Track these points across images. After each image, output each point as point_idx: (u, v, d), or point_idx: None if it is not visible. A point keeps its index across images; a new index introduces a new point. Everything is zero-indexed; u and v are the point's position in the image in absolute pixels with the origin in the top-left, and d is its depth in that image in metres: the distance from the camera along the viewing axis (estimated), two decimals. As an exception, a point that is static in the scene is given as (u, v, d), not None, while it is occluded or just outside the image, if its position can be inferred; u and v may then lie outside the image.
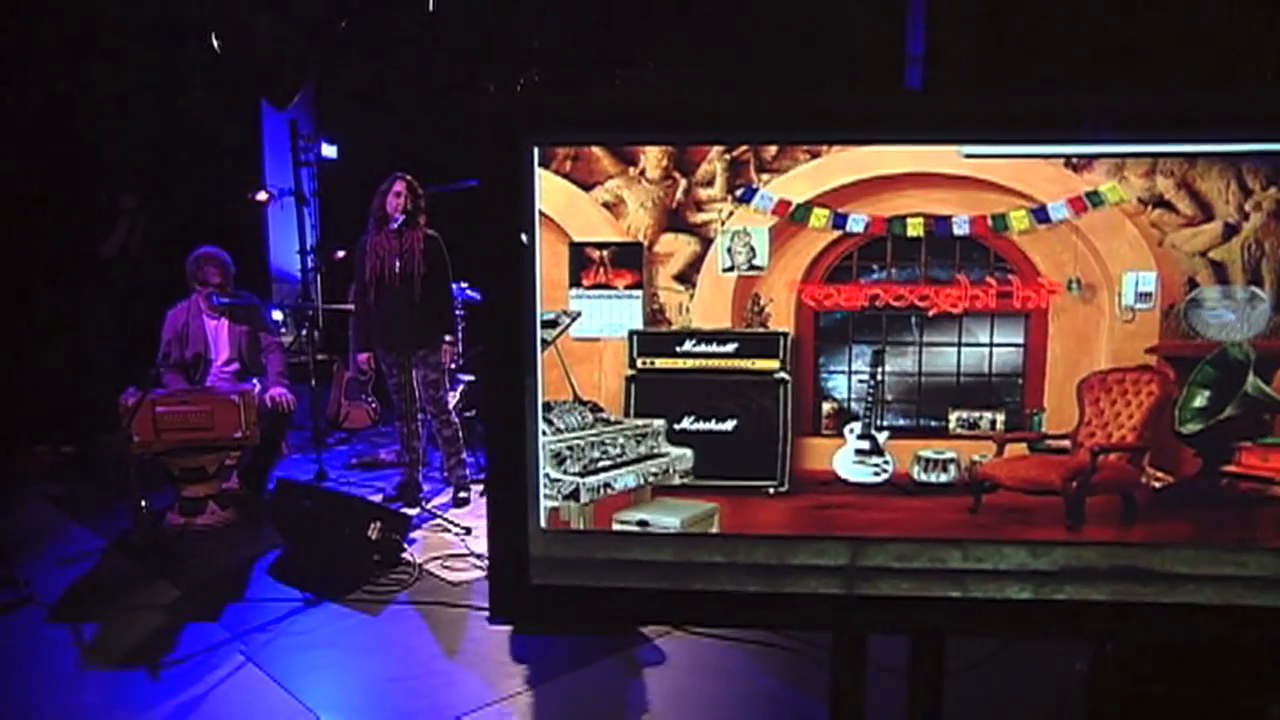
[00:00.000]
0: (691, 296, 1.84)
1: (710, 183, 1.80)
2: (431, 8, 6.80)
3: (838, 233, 1.80)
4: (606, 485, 1.88)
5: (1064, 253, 1.76)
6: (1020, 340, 1.79)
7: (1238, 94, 1.73)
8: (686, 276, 1.84)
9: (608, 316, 1.85)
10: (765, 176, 1.79)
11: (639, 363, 1.86)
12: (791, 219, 1.80)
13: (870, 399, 1.82)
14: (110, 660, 4.35)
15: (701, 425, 1.87)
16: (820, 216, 1.78)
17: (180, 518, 5.78)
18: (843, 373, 1.83)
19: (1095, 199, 1.73)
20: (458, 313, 6.49)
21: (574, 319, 1.84)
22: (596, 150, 1.81)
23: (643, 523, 1.89)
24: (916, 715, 2.00)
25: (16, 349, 6.95)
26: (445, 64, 8.41)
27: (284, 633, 4.56)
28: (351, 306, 6.92)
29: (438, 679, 4.12)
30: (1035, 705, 3.81)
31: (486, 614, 4.54)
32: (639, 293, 1.85)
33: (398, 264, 5.84)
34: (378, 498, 6.16)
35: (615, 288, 1.84)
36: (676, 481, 1.88)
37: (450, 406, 6.23)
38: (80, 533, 5.87)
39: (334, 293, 8.10)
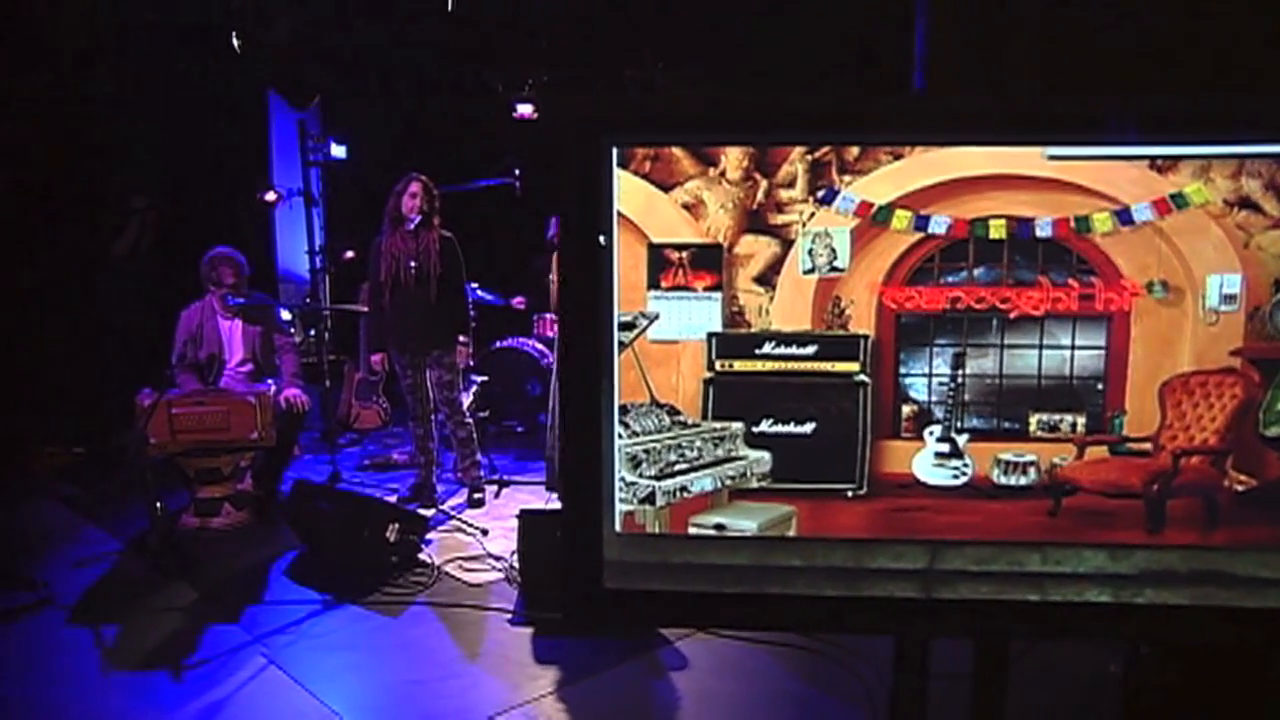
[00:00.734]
0: (771, 299, 1.83)
1: (791, 184, 1.79)
2: (450, 7, 6.76)
3: (920, 235, 1.79)
4: (683, 489, 1.87)
5: (1147, 255, 1.75)
6: (1102, 343, 1.79)
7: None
8: (766, 278, 1.83)
9: (686, 318, 1.84)
10: (847, 178, 1.78)
11: (717, 365, 1.84)
12: (873, 221, 1.79)
13: (950, 401, 1.81)
14: (133, 662, 4.32)
15: (780, 428, 1.85)
16: (902, 218, 1.78)
17: (195, 519, 5.75)
18: (923, 375, 1.82)
19: (1180, 201, 1.72)
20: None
21: (652, 321, 1.83)
22: (676, 151, 1.80)
23: (719, 526, 1.87)
24: (984, 718, 1.99)
25: (28, 350, 6.90)
26: (452, 63, 8.39)
27: (305, 635, 4.53)
28: (361, 308, 6.90)
29: (462, 681, 4.10)
30: (1065, 706, 3.81)
31: (507, 616, 4.56)
32: (718, 295, 1.83)
33: (413, 265, 5.82)
34: (392, 499, 6.13)
35: (694, 289, 1.83)
36: (754, 485, 1.87)
37: (465, 407, 6.20)
38: (95, 534, 5.84)
39: (343, 293, 8.06)
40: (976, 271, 1.79)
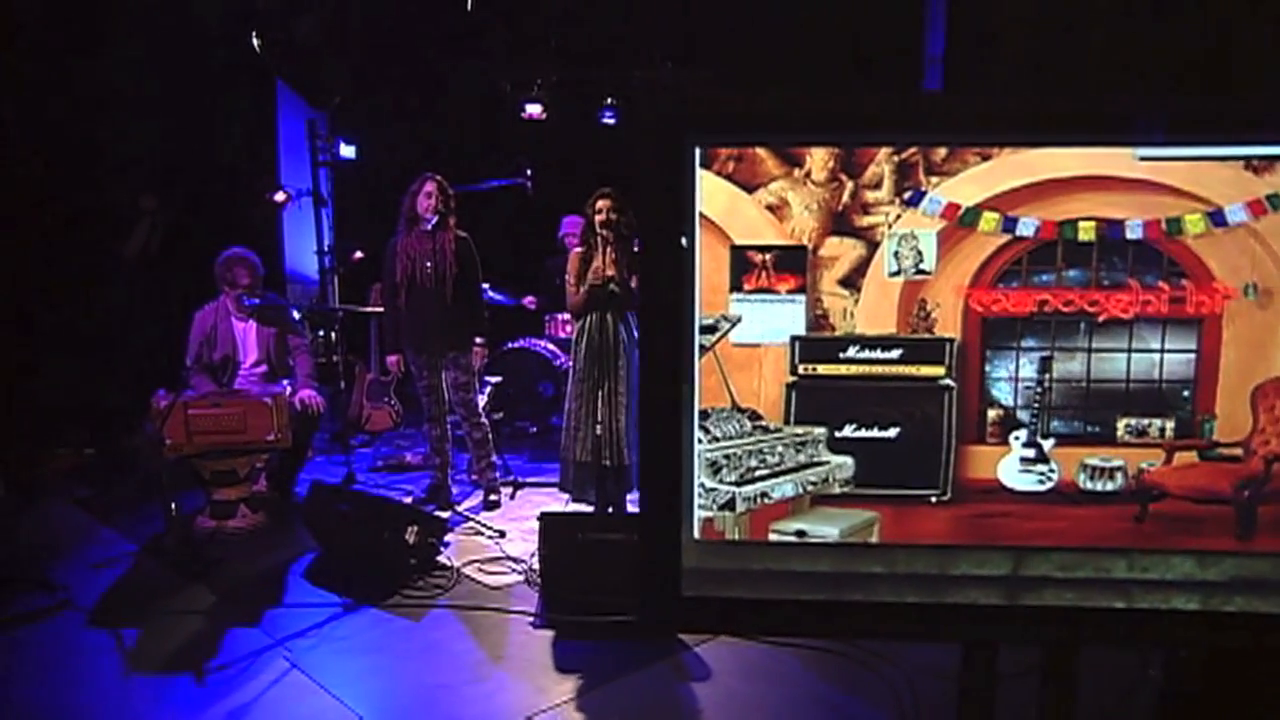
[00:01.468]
0: (856, 301, 1.80)
1: (878, 185, 1.76)
2: (469, 7, 6.73)
3: (1007, 236, 1.76)
4: (764, 495, 1.84)
5: (1240, 257, 1.73)
6: (1192, 346, 1.76)
7: None
8: (851, 281, 1.80)
9: (769, 321, 1.81)
10: (934, 179, 1.76)
11: (800, 369, 1.82)
12: (960, 223, 1.76)
13: (1037, 406, 1.79)
14: (154, 665, 4.29)
15: (863, 433, 1.83)
16: (990, 220, 1.75)
17: (211, 521, 5.72)
18: (1009, 379, 1.80)
19: (1276, 202, 1.70)
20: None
21: (734, 324, 1.80)
22: (760, 151, 1.77)
23: (800, 533, 1.85)
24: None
25: (37, 351, 6.85)
26: (462, 63, 8.36)
27: (326, 638, 4.51)
28: (372, 308, 6.87)
29: (487, 685, 4.08)
30: (1100, 708, 3.79)
31: (529, 619, 4.53)
32: (802, 297, 1.81)
33: (429, 265, 5.79)
34: (408, 501, 6.10)
35: (778, 292, 1.80)
36: (836, 490, 1.84)
37: (480, 408, 6.17)
38: (110, 536, 5.80)
39: (352, 294, 8.03)
40: (1065, 274, 1.76)
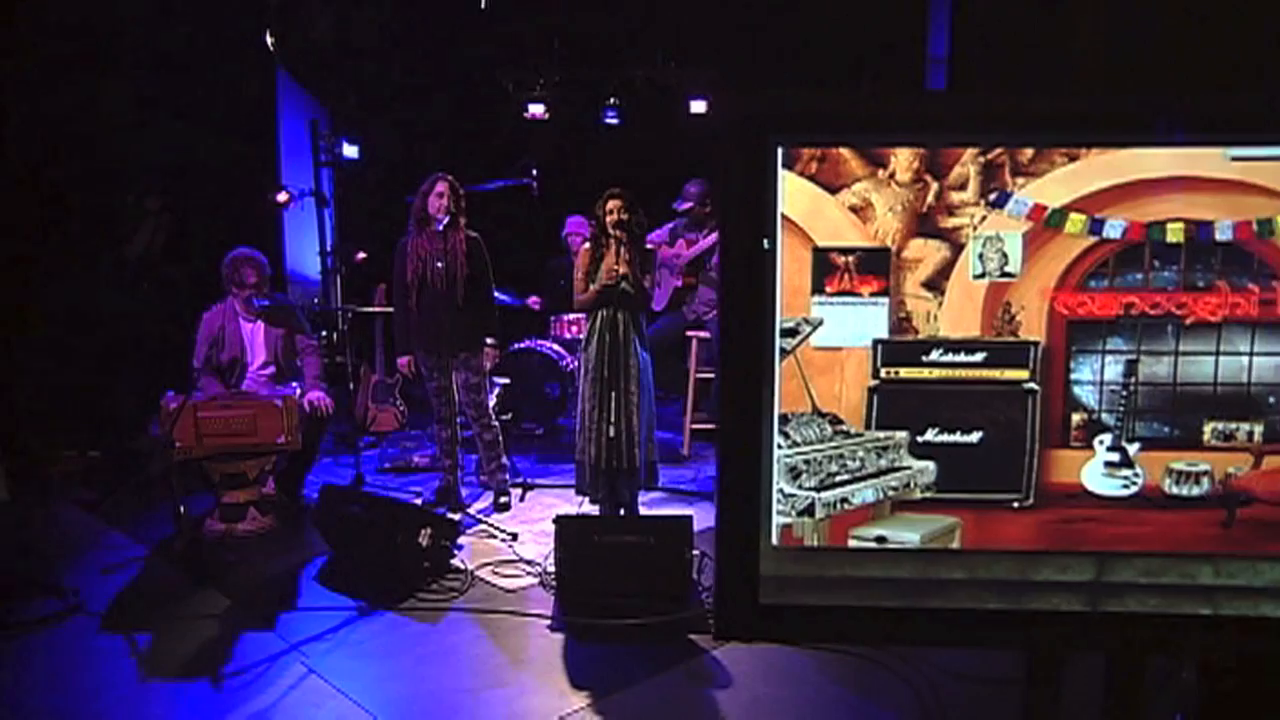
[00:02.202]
0: (940, 304, 1.77)
1: (963, 186, 1.74)
2: (483, 6, 6.69)
3: (1094, 239, 1.74)
4: (844, 500, 1.81)
5: (1333, 259, 1.71)
6: (1283, 349, 1.74)
7: None
8: (935, 283, 1.77)
9: (851, 325, 1.78)
10: (1020, 180, 1.73)
11: (883, 373, 1.79)
12: (1047, 224, 1.74)
13: (1122, 409, 1.77)
14: (170, 671, 4.25)
15: (945, 437, 1.80)
16: (1077, 222, 1.73)
17: (221, 524, 5.66)
18: (1094, 383, 1.78)
19: (1369, 204, 1.68)
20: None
21: (815, 327, 1.77)
22: (844, 151, 1.74)
23: (881, 539, 1.82)
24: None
25: (41, 353, 6.78)
26: (464, 63, 8.32)
27: (343, 642, 4.47)
28: (377, 308, 6.82)
29: (508, 690, 4.04)
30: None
31: (546, 622, 4.50)
32: (885, 300, 1.78)
33: (440, 266, 5.74)
34: (417, 502, 6.06)
35: (860, 295, 1.78)
36: (917, 496, 1.82)
37: (490, 410, 6.13)
38: (119, 540, 5.74)
39: (355, 295, 7.97)
40: (1152, 276, 1.74)
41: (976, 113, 1.69)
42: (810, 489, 1.82)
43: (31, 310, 6.76)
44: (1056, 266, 1.76)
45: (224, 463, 5.64)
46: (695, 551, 4.84)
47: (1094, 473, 1.80)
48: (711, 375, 7.37)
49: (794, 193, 1.76)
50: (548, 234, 8.23)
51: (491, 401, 6.15)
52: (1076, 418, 1.80)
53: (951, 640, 1.82)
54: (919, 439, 1.82)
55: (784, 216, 1.76)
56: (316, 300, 7.98)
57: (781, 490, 1.82)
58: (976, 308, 1.78)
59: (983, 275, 1.77)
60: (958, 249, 1.77)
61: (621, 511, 5.66)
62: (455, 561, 5.28)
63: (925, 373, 1.80)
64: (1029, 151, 1.73)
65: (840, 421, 1.81)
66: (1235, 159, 1.71)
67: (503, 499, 6.20)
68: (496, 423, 6.20)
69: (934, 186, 1.75)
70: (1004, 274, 1.77)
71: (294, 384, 6.00)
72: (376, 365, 7.30)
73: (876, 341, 1.80)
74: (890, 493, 1.83)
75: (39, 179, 6.65)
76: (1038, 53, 6.55)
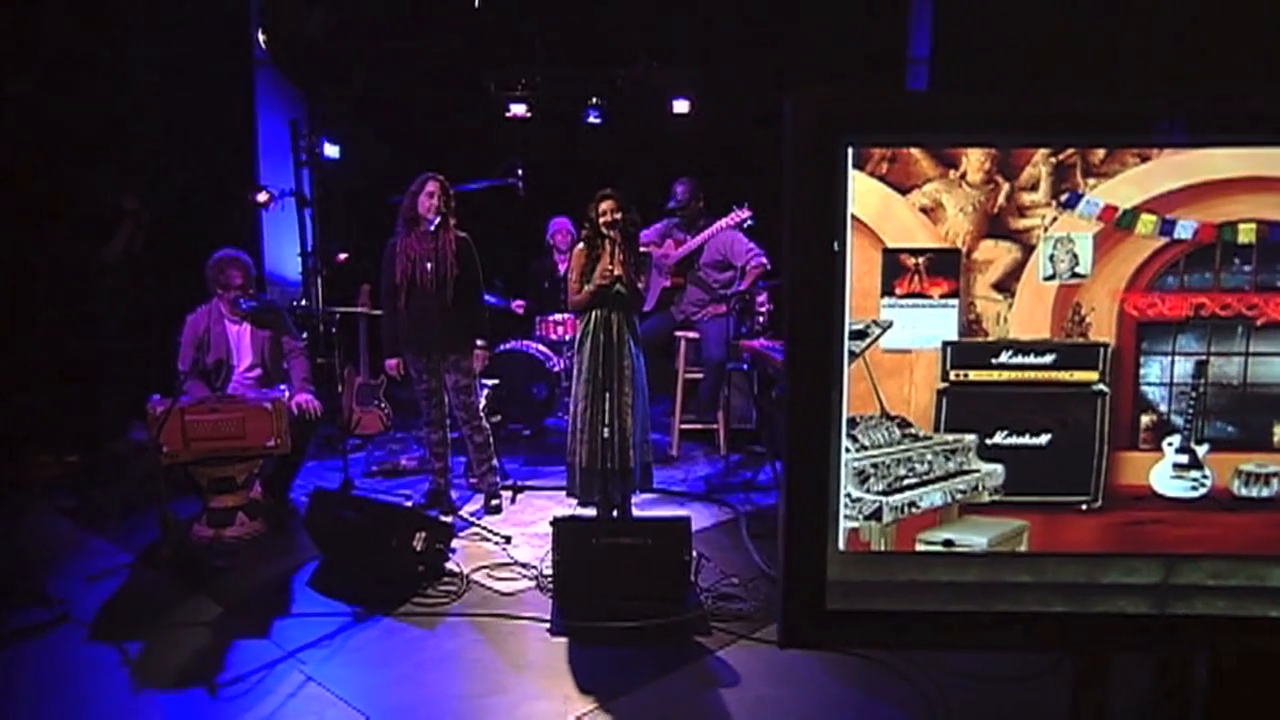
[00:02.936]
0: (1010, 306, 1.76)
1: (1034, 187, 1.72)
2: (476, 4, 6.63)
3: (1164, 239, 1.73)
4: (911, 504, 1.79)
5: (1406, 259, 1.71)
6: (1355, 349, 1.74)
7: None
8: (1005, 285, 1.76)
9: (921, 326, 1.76)
10: (1091, 181, 1.72)
11: (952, 375, 1.77)
12: (1118, 225, 1.73)
13: (1191, 411, 1.76)
14: (165, 680, 4.17)
15: (1014, 440, 1.79)
16: (1147, 223, 1.72)
17: (209, 530, 5.57)
18: (1163, 384, 1.77)
19: None
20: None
21: (884, 329, 1.75)
22: (915, 152, 1.72)
23: (948, 542, 1.81)
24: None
25: (16, 356, 6.63)
26: (445, 62, 8.25)
27: (340, 648, 4.41)
28: (359, 309, 6.74)
29: (511, 695, 4.00)
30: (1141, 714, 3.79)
31: (545, 625, 4.46)
32: (955, 302, 1.76)
33: (429, 267, 5.68)
34: (408, 505, 5.99)
35: (930, 296, 1.76)
36: (985, 499, 1.80)
37: (481, 412, 6.08)
38: (103, 546, 5.63)
39: (336, 296, 7.88)
40: (1223, 277, 1.73)
41: (1050, 113, 1.68)
42: (878, 493, 1.80)
43: (3, 312, 6.60)
44: (1127, 268, 1.75)
45: (212, 467, 5.55)
46: (693, 553, 4.81)
47: (1162, 474, 1.79)
48: (700, 375, 7.35)
49: (864, 193, 1.74)
50: (531, 235, 8.18)
51: (481, 403, 6.08)
52: (1145, 419, 1.79)
53: (1018, 644, 1.81)
54: (987, 442, 1.81)
55: (853, 217, 1.74)
56: (295, 302, 7.87)
57: (849, 494, 1.80)
58: (1046, 309, 1.76)
59: (1053, 277, 1.76)
60: (1028, 250, 1.76)
61: (614, 514, 5.62)
62: (450, 565, 5.22)
63: (995, 375, 1.79)
64: (1100, 152, 1.72)
65: (909, 424, 1.79)
66: (1308, 159, 1.70)
67: (494, 502, 6.15)
68: (487, 425, 6.14)
69: (1005, 187, 1.74)
70: (1074, 275, 1.76)
71: (281, 386, 5.91)
72: (361, 367, 7.22)
73: (946, 343, 1.78)
74: (958, 496, 1.81)
75: (11, 179, 6.50)
76: (1025, 52, 6.59)
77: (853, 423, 1.79)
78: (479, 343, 5.98)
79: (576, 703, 3.98)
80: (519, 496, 6.43)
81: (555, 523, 4.85)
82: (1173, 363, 1.77)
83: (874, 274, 1.76)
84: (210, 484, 5.57)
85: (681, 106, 8.48)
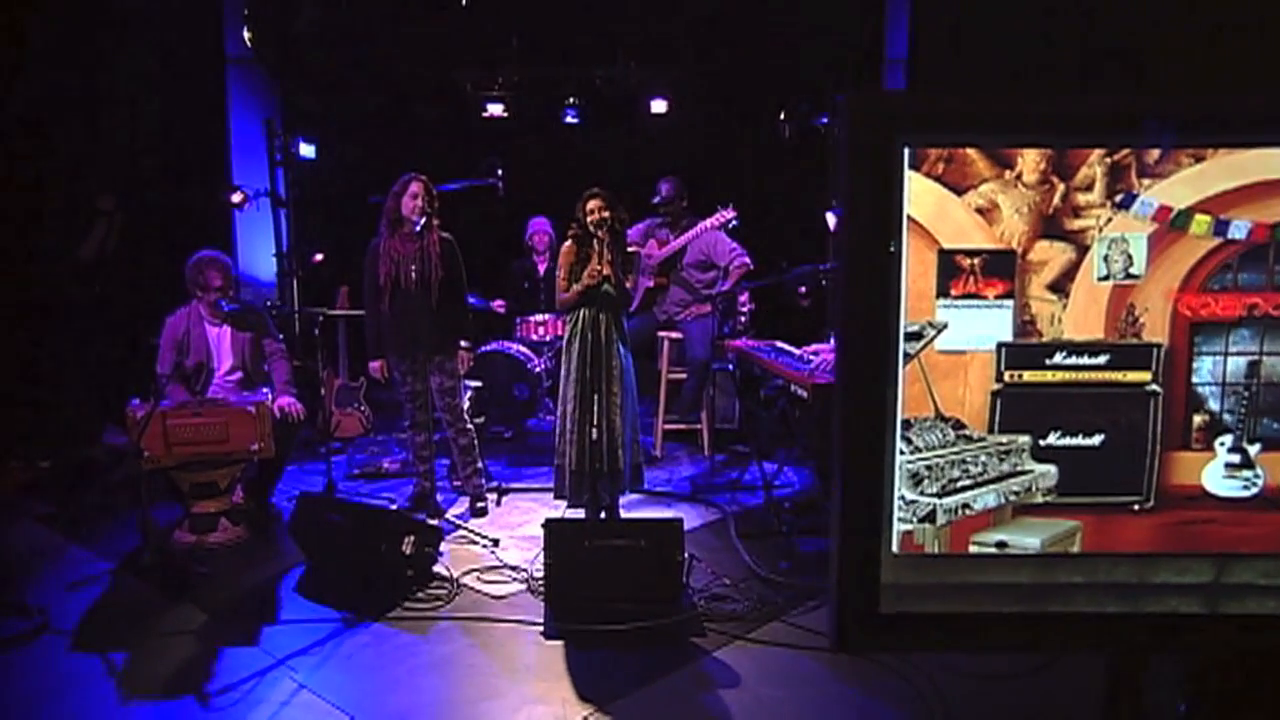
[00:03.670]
0: (1064, 307, 1.76)
1: (1089, 188, 1.72)
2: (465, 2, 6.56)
3: (1218, 240, 1.73)
4: (965, 506, 1.78)
5: None
6: None
7: None
8: (1060, 286, 1.76)
9: (976, 327, 1.76)
10: (1146, 181, 1.72)
11: (1006, 376, 1.76)
12: (1172, 226, 1.73)
13: (1243, 411, 1.76)
14: (152, 691, 4.09)
15: (1067, 440, 1.79)
16: (1202, 223, 1.72)
17: (191, 535, 5.48)
18: (1215, 384, 1.77)
19: None
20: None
21: (940, 330, 1.74)
22: (971, 152, 1.72)
23: (1001, 544, 1.80)
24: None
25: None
26: (420, 62, 8.19)
27: (331, 655, 4.35)
28: (339, 311, 6.67)
29: (508, 700, 3.97)
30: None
31: (538, 629, 4.43)
32: (1009, 303, 1.76)
33: (414, 269, 5.62)
34: (393, 509, 5.93)
35: (985, 298, 1.75)
36: (1038, 500, 1.80)
37: (465, 413, 6.03)
38: (82, 554, 5.52)
39: (312, 297, 7.79)
40: (1276, 277, 1.74)
41: (1107, 113, 1.67)
42: (932, 495, 1.79)
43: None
44: (1180, 268, 1.75)
45: (194, 472, 5.46)
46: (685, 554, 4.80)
47: (1214, 474, 1.80)
48: (683, 376, 7.33)
49: (920, 194, 1.73)
50: (510, 235, 8.13)
51: (465, 405, 6.03)
52: (1198, 419, 1.79)
53: (1070, 645, 1.81)
54: (1041, 442, 1.80)
55: (909, 218, 1.73)
56: (269, 303, 7.76)
57: (903, 497, 1.79)
58: (1100, 310, 1.76)
59: (1107, 277, 1.76)
60: (1083, 251, 1.76)
61: (602, 515, 5.60)
62: (439, 569, 5.17)
63: (1049, 376, 1.78)
64: (1155, 152, 1.72)
65: (963, 426, 1.79)
66: (1361, 159, 1.71)
67: (480, 504, 6.10)
68: (471, 426, 6.09)
69: (1060, 188, 1.73)
70: (1128, 276, 1.76)
71: (264, 389, 5.83)
72: (340, 369, 7.13)
73: (1001, 345, 1.78)
74: (1012, 497, 1.81)
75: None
76: (1004, 52, 6.63)
77: (907, 425, 1.78)
78: (463, 344, 5.93)
79: (575, 706, 3.95)
80: (504, 498, 6.38)
81: (547, 525, 4.82)
82: (1225, 363, 1.78)
83: (929, 275, 1.75)
84: (192, 489, 5.48)
85: (659, 106, 8.45)
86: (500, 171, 7.52)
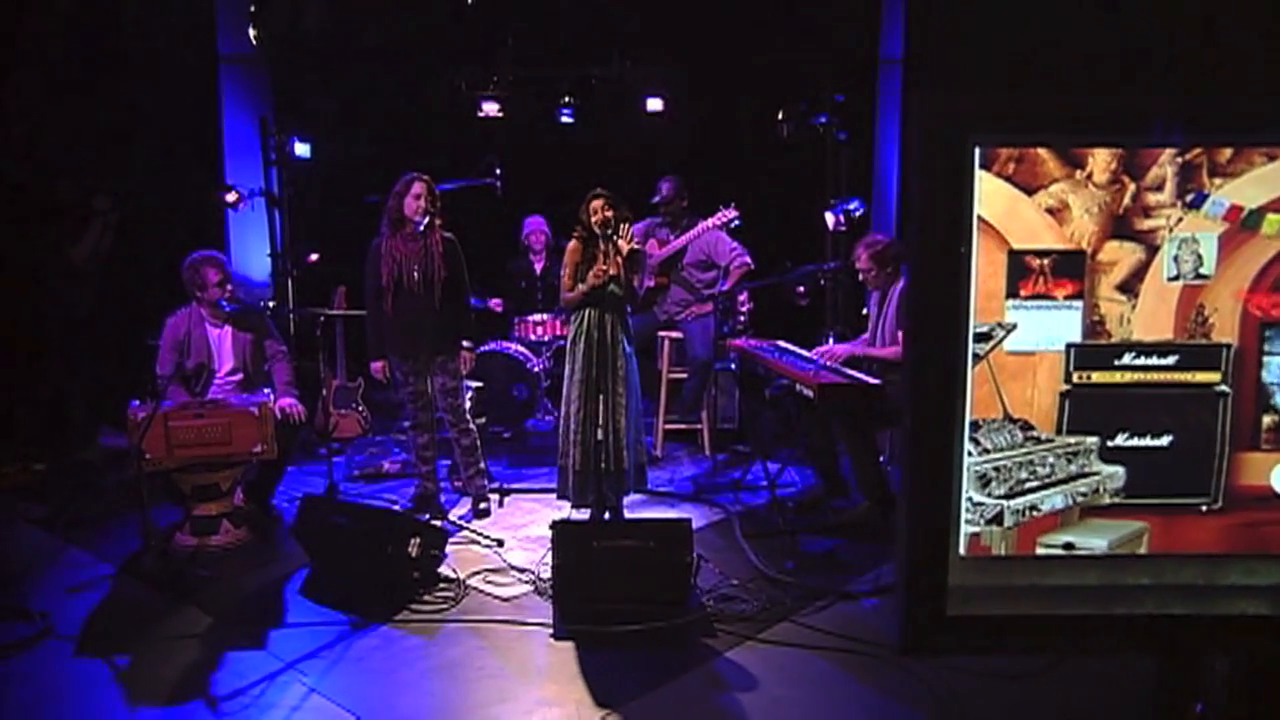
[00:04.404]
0: (1133, 307, 1.75)
1: (1160, 187, 1.71)
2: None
3: (1289, 239, 1.73)
4: (1032, 507, 1.77)
5: None
6: None
7: None
8: (1129, 286, 1.75)
9: (1045, 328, 1.75)
10: (1218, 181, 1.71)
11: (1075, 377, 1.75)
12: (1243, 226, 1.72)
13: (1313, 411, 1.76)
14: (159, 696, 4.04)
15: (1135, 441, 1.78)
16: (1273, 223, 1.72)
17: (193, 538, 5.41)
18: (1285, 385, 1.76)
19: None
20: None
21: (1009, 331, 1.73)
22: (1042, 152, 1.70)
23: (1068, 545, 1.79)
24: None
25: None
26: (416, 60, 8.14)
27: (340, 658, 4.31)
28: (337, 312, 6.62)
29: (522, 704, 3.95)
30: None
31: (548, 631, 4.40)
32: (1079, 303, 1.75)
33: (416, 269, 5.58)
34: (398, 510, 5.89)
35: (1055, 298, 1.74)
36: (1106, 501, 1.79)
37: (468, 414, 5.99)
38: (82, 558, 5.45)
39: (307, 297, 7.73)
40: (1348, 276, 1.74)
41: (1179, 113, 1.66)
42: (999, 497, 1.78)
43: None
44: (1251, 268, 1.74)
45: (195, 474, 5.40)
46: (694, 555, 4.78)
47: (1284, 475, 1.79)
48: (684, 375, 7.31)
49: (990, 194, 1.72)
50: (506, 235, 8.09)
51: (467, 405, 5.99)
52: (1267, 420, 1.79)
53: (1137, 647, 1.79)
54: (1109, 444, 1.79)
55: (979, 218, 1.71)
56: (263, 303, 7.69)
57: (970, 498, 1.77)
58: (1170, 310, 1.75)
59: (1177, 277, 1.75)
60: (1152, 251, 1.75)
61: (606, 515, 5.58)
62: (445, 571, 5.13)
63: (1117, 376, 1.77)
64: (1227, 152, 1.71)
65: (1031, 427, 1.77)
66: None
67: (482, 505, 6.06)
68: (474, 427, 6.05)
69: (1131, 188, 1.72)
70: (1198, 276, 1.75)
71: (266, 390, 5.77)
72: (338, 369, 7.08)
73: (1070, 345, 1.77)
74: (1079, 498, 1.80)
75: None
76: (1002, 52, 6.64)
77: (975, 426, 1.77)
78: (465, 344, 5.89)
79: (589, 709, 3.92)
80: (506, 499, 6.34)
81: (555, 526, 4.79)
82: (1295, 363, 1.77)
83: (999, 276, 1.74)
84: (194, 491, 5.43)
85: (655, 105, 8.43)
86: (499, 171, 7.47)
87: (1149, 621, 1.80)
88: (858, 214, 7.38)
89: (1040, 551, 1.81)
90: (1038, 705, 3.91)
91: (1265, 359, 1.77)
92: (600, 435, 5.29)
